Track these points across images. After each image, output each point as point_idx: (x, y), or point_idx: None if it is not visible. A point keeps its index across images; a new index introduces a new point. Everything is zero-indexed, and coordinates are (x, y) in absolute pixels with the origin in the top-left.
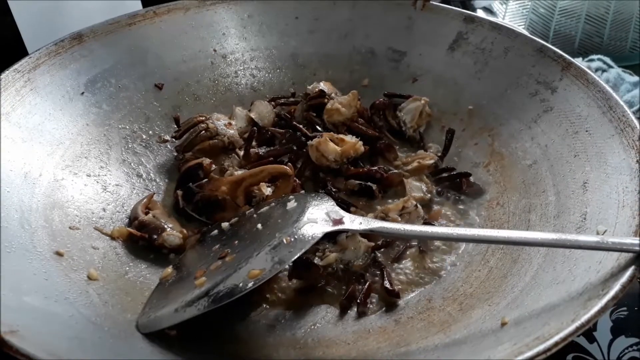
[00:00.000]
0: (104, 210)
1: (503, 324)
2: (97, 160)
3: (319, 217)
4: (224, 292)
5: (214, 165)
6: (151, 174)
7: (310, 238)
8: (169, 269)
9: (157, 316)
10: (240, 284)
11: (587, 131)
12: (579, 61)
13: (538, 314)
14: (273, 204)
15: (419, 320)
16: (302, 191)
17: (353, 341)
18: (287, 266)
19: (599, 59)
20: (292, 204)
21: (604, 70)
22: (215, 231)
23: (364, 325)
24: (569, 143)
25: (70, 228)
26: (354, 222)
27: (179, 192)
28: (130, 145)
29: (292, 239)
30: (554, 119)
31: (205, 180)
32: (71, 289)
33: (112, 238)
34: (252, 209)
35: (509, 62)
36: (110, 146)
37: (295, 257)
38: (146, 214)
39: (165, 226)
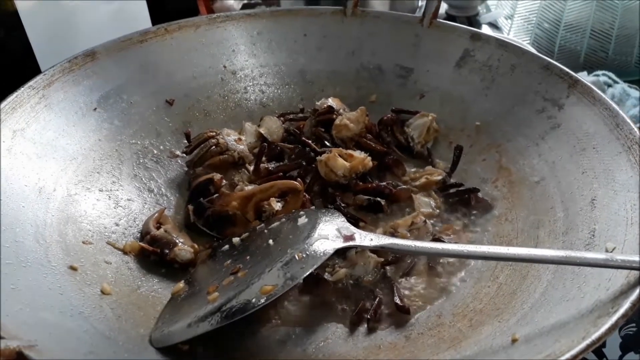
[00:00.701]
0: (116, 225)
1: (514, 341)
2: (109, 175)
3: (330, 233)
4: (236, 308)
5: (224, 181)
6: (162, 189)
7: (322, 254)
8: (181, 284)
9: (170, 331)
10: (253, 300)
11: (594, 148)
12: (584, 76)
13: (548, 331)
14: (284, 219)
15: (429, 336)
16: (312, 207)
17: (364, 357)
18: (299, 282)
19: (604, 74)
20: (303, 220)
21: (609, 85)
22: (227, 246)
23: (374, 341)
24: (577, 160)
25: (83, 243)
26: (364, 238)
27: (190, 207)
28: (141, 161)
29: (304, 255)
30: (561, 136)
31: (216, 195)
32: (85, 304)
33: (125, 252)
34: (262, 224)
35: (516, 79)
36: (122, 161)
37: (307, 273)
38: (157, 228)
39: (177, 241)
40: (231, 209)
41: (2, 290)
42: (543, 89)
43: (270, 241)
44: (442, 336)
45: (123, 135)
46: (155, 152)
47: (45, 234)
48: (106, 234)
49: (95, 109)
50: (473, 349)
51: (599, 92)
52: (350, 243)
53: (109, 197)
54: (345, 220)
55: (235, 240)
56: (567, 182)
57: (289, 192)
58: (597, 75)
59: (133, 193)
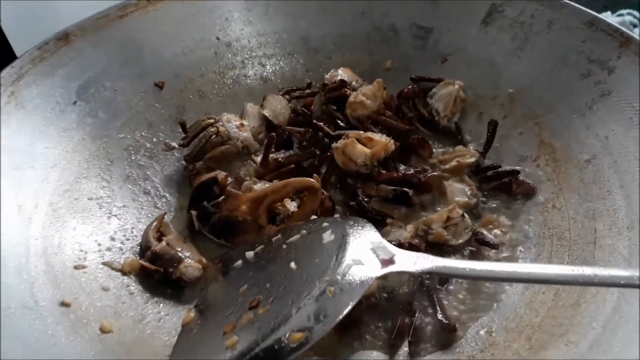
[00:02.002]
0: (111, 239)
1: None
2: (99, 179)
3: (364, 256)
4: (262, 359)
5: (229, 178)
6: (159, 189)
7: (358, 286)
8: (192, 314)
9: None
10: (281, 347)
11: None
12: (608, 16)
13: None
14: (304, 231)
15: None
16: (331, 203)
17: None
18: (332, 325)
19: (628, 13)
20: (328, 236)
21: (635, 26)
22: (240, 262)
23: None
24: (636, 135)
25: (75, 268)
26: (407, 261)
27: (193, 213)
28: (133, 157)
29: (338, 290)
30: (614, 105)
31: (222, 197)
32: (83, 352)
33: (124, 273)
34: (279, 236)
35: (554, 37)
36: (112, 161)
37: (344, 313)
38: (159, 239)
39: (182, 256)
40: (240, 213)
41: None
42: (588, 48)
43: (293, 264)
44: None
45: (110, 130)
46: (148, 145)
47: (29, 266)
48: (101, 252)
49: (75, 102)
50: None
51: None
52: (391, 269)
53: (100, 205)
54: (378, 234)
55: (249, 255)
56: (626, 162)
57: (304, 190)
58: (622, 15)
59: (127, 198)
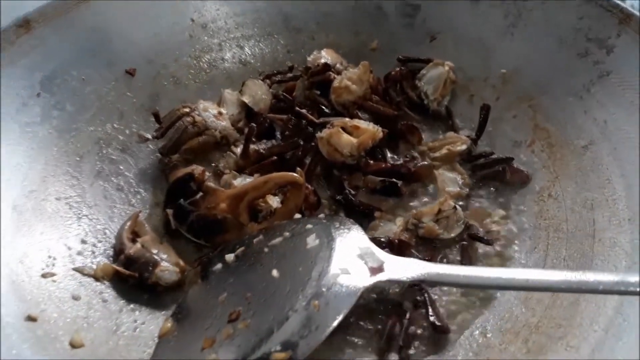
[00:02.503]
0: (82, 242)
1: None
2: (67, 177)
3: (351, 264)
4: None
5: (207, 173)
6: (134, 185)
7: (346, 300)
8: (169, 324)
9: None
10: None
11: None
12: None
13: None
14: (287, 233)
15: None
16: (315, 198)
17: None
18: (318, 343)
19: None
20: (312, 241)
21: None
22: (219, 265)
23: None
24: (636, 119)
25: (43, 276)
26: (397, 268)
27: (169, 211)
28: (104, 152)
29: (323, 304)
30: (613, 87)
31: (200, 195)
32: None
33: (96, 279)
34: (261, 237)
35: (549, 14)
36: (81, 156)
37: (331, 328)
38: (133, 241)
39: (158, 259)
40: (220, 211)
41: None
42: (585, 25)
43: (275, 272)
44: None
45: (78, 123)
46: (120, 138)
47: None
48: (71, 257)
49: (38, 94)
50: None
51: None
52: (380, 277)
53: (70, 206)
54: (366, 237)
55: (229, 258)
56: (626, 149)
57: (288, 185)
58: None
59: (99, 195)
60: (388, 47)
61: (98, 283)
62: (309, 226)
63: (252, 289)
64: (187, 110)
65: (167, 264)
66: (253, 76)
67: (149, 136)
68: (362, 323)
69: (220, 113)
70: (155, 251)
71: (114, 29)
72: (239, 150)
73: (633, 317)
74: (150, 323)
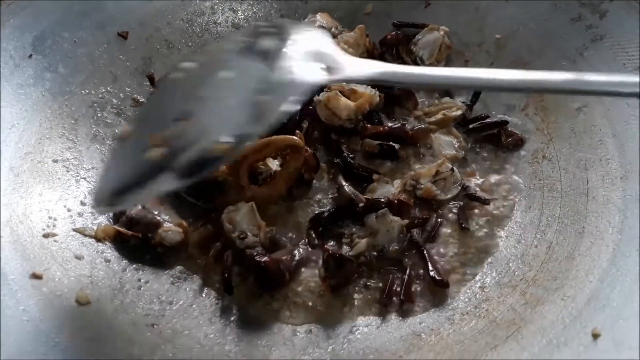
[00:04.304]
0: (82, 204)
1: (595, 336)
2: (63, 140)
3: (306, 64)
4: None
5: None
6: None
7: (294, 91)
8: (127, 127)
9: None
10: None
11: None
12: None
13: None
14: (247, 38)
15: (476, 317)
16: (315, 161)
17: (405, 352)
18: (260, 132)
19: None
20: (270, 42)
21: None
22: (179, 74)
23: (412, 328)
24: None
25: (44, 236)
26: (354, 68)
27: None
28: (99, 115)
29: (270, 96)
30: (606, 51)
31: None
32: (60, 325)
33: (98, 240)
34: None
35: None
36: (76, 119)
37: (270, 123)
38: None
39: (160, 219)
40: (220, 174)
41: None
42: None
43: (225, 72)
44: (493, 318)
45: (72, 86)
46: (114, 101)
47: None
48: (72, 218)
49: (30, 55)
50: (541, 342)
51: None
52: (334, 76)
53: (67, 168)
54: (330, 39)
55: (189, 65)
56: (619, 110)
57: (288, 148)
58: None
59: (95, 159)
60: (382, 12)
61: (100, 244)
62: (271, 29)
63: (205, 90)
64: None
65: (170, 225)
66: None
67: (143, 99)
68: (364, 280)
69: None
70: (156, 212)
71: None
72: None
73: (627, 267)
74: (154, 282)
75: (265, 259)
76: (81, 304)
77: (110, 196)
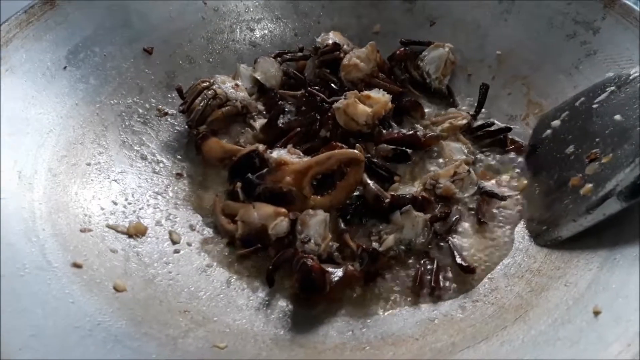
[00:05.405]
0: (114, 203)
1: (596, 313)
2: (95, 145)
3: None
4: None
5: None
6: (156, 155)
7: None
8: (524, 180)
9: (558, 229)
10: None
11: None
12: None
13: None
14: (612, 87)
15: (486, 304)
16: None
17: (421, 335)
18: None
19: None
20: None
21: None
22: (548, 132)
23: (427, 315)
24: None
25: (81, 231)
26: None
27: (239, 184)
28: (127, 123)
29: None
30: (599, 64)
31: (266, 170)
32: (101, 309)
33: (129, 236)
34: (582, 98)
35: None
36: (106, 126)
37: None
38: (232, 223)
39: (263, 222)
40: (285, 185)
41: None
42: (573, 10)
43: (618, 116)
44: (502, 304)
45: (102, 96)
46: (140, 111)
47: (37, 229)
48: (104, 216)
49: (65, 67)
50: (546, 322)
51: None
52: None
53: (99, 171)
54: None
55: (556, 124)
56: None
57: (349, 163)
58: None
59: (125, 163)
60: (390, 30)
61: (131, 239)
62: (635, 74)
63: (598, 135)
64: (206, 84)
65: (274, 219)
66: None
67: (168, 110)
68: (396, 271)
69: (237, 85)
70: (256, 216)
71: (132, 8)
72: (257, 124)
73: (624, 255)
74: (183, 274)
75: (312, 262)
76: (118, 291)
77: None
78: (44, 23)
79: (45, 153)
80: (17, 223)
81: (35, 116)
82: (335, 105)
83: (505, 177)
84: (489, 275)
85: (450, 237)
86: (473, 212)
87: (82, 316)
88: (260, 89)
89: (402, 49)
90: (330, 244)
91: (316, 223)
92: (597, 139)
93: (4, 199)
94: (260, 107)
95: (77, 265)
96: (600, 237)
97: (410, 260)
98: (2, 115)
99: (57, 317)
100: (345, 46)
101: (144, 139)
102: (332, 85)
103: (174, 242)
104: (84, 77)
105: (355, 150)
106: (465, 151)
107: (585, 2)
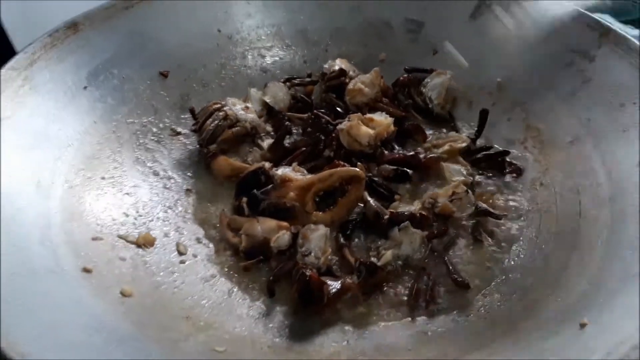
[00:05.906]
0: (125, 215)
1: (582, 325)
2: (110, 160)
3: None
4: None
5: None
6: (168, 171)
7: None
8: None
9: None
10: None
11: (634, 103)
12: None
13: (622, 313)
14: None
15: (478, 318)
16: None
17: (414, 347)
18: None
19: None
20: None
21: None
22: None
23: (421, 328)
24: (616, 117)
25: (92, 239)
26: None
27: (245, 200)
28: (141, 141)
29: None
30: (595, 91)
31: (271, 186)
32: (107, 311)
33: (138, 245)
34: None
35: (539, 30)
36: (122, 143)
37: None
38: (237, 236)
39: (265, 235)
40: (289, 200)
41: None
42: (570, 40)
43: None
44: (493, 318)
45: (119, 115)
46: (154, 130)
47: (51, 235)
48: (115, 226)
49: (85, 87)
50: (535, 334)
51: (634, 41)
52: None
53: (113, 185)
54: None
55: None
56: (607, 142)
57: (351, 180)
58: None
59: (138, 178)
60: (395, 59)
61: (140, 249)
62: None
63: None
64: (218, 106)
65: (276, 233)
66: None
67: (180, 130)
68: (393, 286)
69: (247, 107)
70: (259, 230)
71: (150, 34)
72: (264, 144)
73: (611, 273)
74: (188, 286)
75: (310, 273)
76: (125, 296)
77: None
78: (67, 46)
79: (63, 166)
80: (33, 229)
81: (56, 132)
82: (339, 126)
83: (502, 198)
84: (483, 291)
85: (446, 254)
86: (470, 230)
87: (89, 317)
88: (269, 112)
89: (406, 75)
90: (330, 257)
91: (317, 237)
92: None
93: (23, 206)
94: (269, 128)
95: (87, 270)
96: (590, 255)
97: (407, 276)
98: (24, 130)
99: (65, 316)
100: (351, 72)
101: (156, 156)
102: (338, 109)
103: (181, 253)
104: (103, 97)
105: (356, 169)
106: (464, 172)
107: (581, 32)
